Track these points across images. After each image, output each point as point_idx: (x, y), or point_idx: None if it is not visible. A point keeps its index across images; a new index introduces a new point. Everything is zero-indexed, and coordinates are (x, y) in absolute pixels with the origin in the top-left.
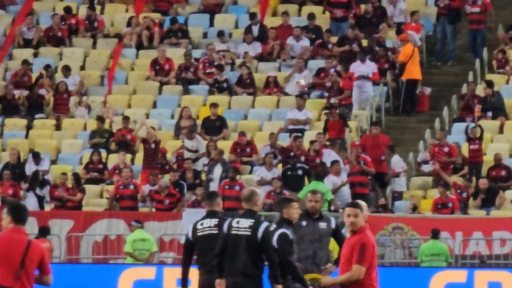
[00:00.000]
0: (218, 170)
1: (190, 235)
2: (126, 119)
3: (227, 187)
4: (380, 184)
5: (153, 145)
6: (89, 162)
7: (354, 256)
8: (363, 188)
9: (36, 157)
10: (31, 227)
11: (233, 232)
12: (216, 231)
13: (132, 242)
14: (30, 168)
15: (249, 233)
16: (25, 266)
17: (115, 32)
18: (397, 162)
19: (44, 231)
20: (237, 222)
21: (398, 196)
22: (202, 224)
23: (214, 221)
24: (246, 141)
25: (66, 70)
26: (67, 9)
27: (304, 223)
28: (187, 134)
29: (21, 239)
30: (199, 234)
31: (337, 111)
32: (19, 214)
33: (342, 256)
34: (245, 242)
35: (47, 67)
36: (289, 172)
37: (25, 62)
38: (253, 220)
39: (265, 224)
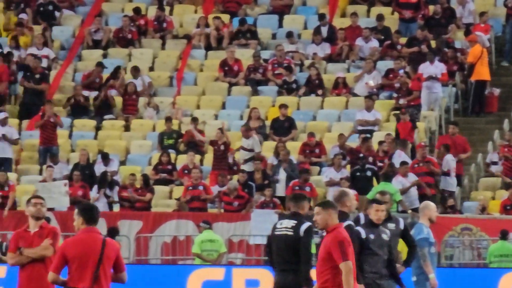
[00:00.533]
0: (283, 171)
1: (270, 230)
2: (194, 120)
3: (297, 188)
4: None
5: (222, 147)
6: (158, 163)
7: (335, 255)
8: (430, 189)
9: (105, 158)
10: (100, 228)
11: (276, 232)
12: (292, 233)
13: (200, 243)
14: (99, 169)
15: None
16: (103, 265)
17: (184, 33)
18: (449, 161)
19: (113, 232)
20: (281, 223)
21: (465, 197)
22: (281, 224)
23: (292, 223)
24: (315, 142)
25: (135, 71)
26: (137, 10)
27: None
28: (244, 132)
29: (95, 238)
30: (276, 233)
31: (408, 112)
32: (90, 215)
33: (318, 257)
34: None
35: (117, 68)
36: (357, 173)
37: (99, 64)
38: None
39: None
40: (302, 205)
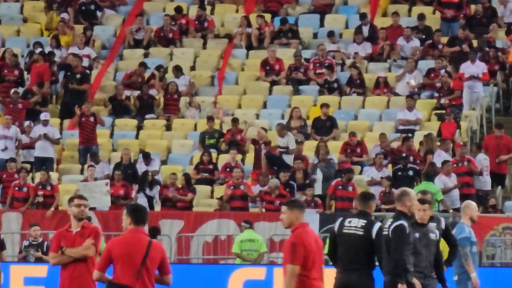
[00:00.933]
0: (321, 171)
1: (335, 228)
2: (235, 121)
3: (340, 187)
4: (498, 185)
5: (263, 146)
6: (199, 163)
7: (284, 256)
8: (469, 189)
9: (147, 158)
10: None
11: (344, 231)
12: (362, 233)
13: (240, 242)
14: (140, 168)
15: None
16: (146, 265)
17: (225, 32)
18: (481, 160)
19: (154, 232)
20: (349, 222)
21: (506, 196)
22: (350, 222)
23: (362, 222)
24: (356, 142)
25: (177, 70)
26: (178, 9)
27: (417, 235)
28: (279, 131)
29: (141, 239)
30: (344, 230)
31: (452, 112)
32: (139, 216)
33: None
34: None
35: (158, 67)
36: (399, 173)
37: (142, 64)
38: (365, 221)
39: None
40: (370, 204)
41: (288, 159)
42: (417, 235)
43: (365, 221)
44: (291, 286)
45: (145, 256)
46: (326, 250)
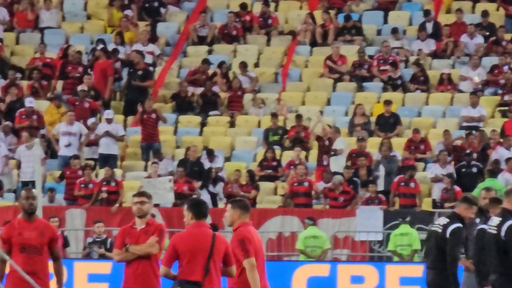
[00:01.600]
0: (383, 166)
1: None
2: (298, 117)
3: (402, 184)
4: None
5: (327, 142)
6: (263, 159)
7: (237, 254)
8: None
9: (210, 154)
10: None
11: (432, 228)
12: (440, 231)
13: (304, 239)
14: (204, 165)
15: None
16: (213, 259)
17: (289, 29)
18: None
19: (214, 229)
20: (438, 220)
21: None
22: (438, 220)
23: (445, 221)
24: (420, 138)
25: (243, 67)
26: (243, 6)
27: (477, 220)
28: (332, 135)
29: (206, 233)
30: (431, 228)
31: None
32: (200, 210)
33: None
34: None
35: (221, 64)
36: (463, 170)
37: (205, 61)
38: (448, 220)
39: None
40: (460, 206)
41: (337, 161)
42: (478, 220)
43: (447, 221)
44: (256, 278)
45: (211, 250)
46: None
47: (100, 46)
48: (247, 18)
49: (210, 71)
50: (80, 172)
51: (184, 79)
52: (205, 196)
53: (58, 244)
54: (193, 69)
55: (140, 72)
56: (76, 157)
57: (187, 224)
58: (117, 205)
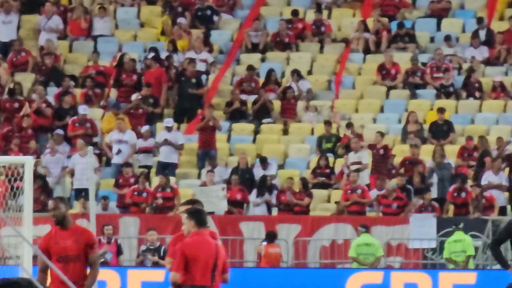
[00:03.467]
0: (436, 174)
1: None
2: (348, 126)
3: (456, 194)
4: None
5: (381, 150)
6: (316, 167)
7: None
8: None
9: (264, 162)
10: (258, 231)
11: None
12: None
13: (356, 247)
14: (257, 173)
15: None
16: (217, 266)
17: (342, 36)
18: None
19: (272, 236)
20: None
21: None
22: None
23: None
24: (473, 146)
25: (298, 75)
26: (295, 12)
27: None
28: (355, 145)
29: (209, 241)
30: None
31: None
32: (202, 218)
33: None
34: None
35: (270, 71)
36: None
37: (250, 68)
38: None
39: None
40: None
41: (362, 175)
42: None
43: None
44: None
45: (216, 258)
46: None
47: (151, 54)
48: (299, 25)
49: (261, 79)
50: (132, 180)
51: (234, 87)
52: (261, 204)
53: (94, 250)
54: (241, 78)
55: (193, 80)
56: (128, 164)
57: (188, 232)
58: (175, 211)
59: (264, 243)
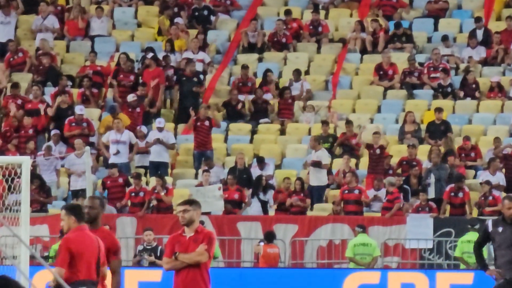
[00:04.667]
0: (433, 174)
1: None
2: (349, 123)
3: (452, 194)
4: None
5: (378, 150)
6: None
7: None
8: None
9: (261, 162)
10: (256, 231)
11: None
12: None
13: (353, 247)
14: (254, 173)
15: None
16: (100, 259)
17: (339, 36)
18: None
19: (271, 236)
20: None
21: None
22: None
23: None
24: (470, 146)
25: (297, 74)
26: (287, 12)
27: (500, 229)
28: (312, 144)
29: (91, 236)
30: None
31: None
32: (82, 214)
33: None
34: None
35: (266, 71)
36: None
37: (244, 67)
38: None
39: None
40: None
41: (321, 174)
42: (500, 229)
43: None
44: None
45: (99, 251)
46: None
47: (150, 54)
48: (295, 25)
49: (259, 79)
50: (120, 180)
51: (232, 87)
52: (255, 204)
53: (117, 257)
54: (238, 78)
55: (195, 79)
56: (113, 165)
57: (69, 228)
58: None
59: (262, 243)
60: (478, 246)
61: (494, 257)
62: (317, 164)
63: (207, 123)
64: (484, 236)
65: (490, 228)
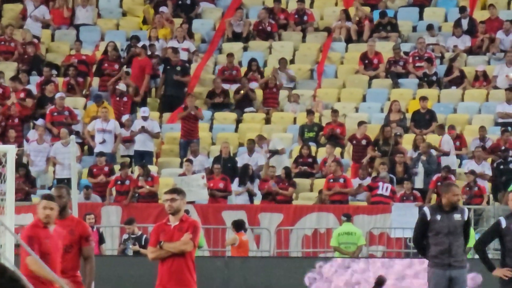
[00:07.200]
0: (422, 165)
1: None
2: (334, 112)
3: (439, 183)
4: None
5: (363, 141)
6: (298, 156)
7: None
8: None
9: (250, 149)
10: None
11: None
12: None
13: (338, 236)
14: (241, 162)
15: None
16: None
17: (324, 25)
18: None
19: (242, 224)
20: None
21: None
22: None
23: None
24: (455, 135)
25: (283, 63)
26: (276, 0)
27: (438, 217)
28: (258, 142)
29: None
30: None
31: None
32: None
33: None
34: None
35: (251, 60)
36: (501, 166)
37: (230, 55)
38: None
39: None
40: None
41: (280, 159)
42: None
43: None
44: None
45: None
46: None
47: (140, 43)
48: (281, 14)
49: (244, 68)
50: (106, 169)
51: (217, 76)
52: (243, 193)
53: (89, 243)
54: (222, 66)
55: (178, 68)
56: (102, 154)
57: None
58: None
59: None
60: (484, 245)
61: (503, 256)
62: (275, 152)
63: (193, 112)
64: (494, 234)
65: (504, 225)
